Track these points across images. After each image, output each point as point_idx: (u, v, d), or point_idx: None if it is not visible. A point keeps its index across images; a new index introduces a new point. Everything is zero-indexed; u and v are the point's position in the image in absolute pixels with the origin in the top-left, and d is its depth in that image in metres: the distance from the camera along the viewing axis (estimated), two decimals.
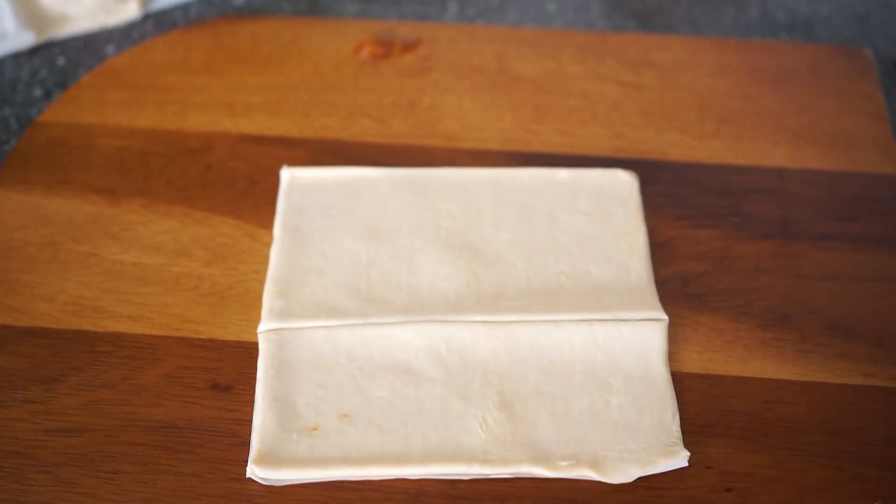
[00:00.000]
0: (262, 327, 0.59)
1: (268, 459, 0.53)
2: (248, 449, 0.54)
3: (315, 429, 0.54)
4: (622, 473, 0.53)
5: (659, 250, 0.63)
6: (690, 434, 0.55)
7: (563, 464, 0.53)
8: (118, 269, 0.62)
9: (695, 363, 0.58)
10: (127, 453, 0.54)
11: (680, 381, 0.57)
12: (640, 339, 0.58)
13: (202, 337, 0.59)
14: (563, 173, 0.67)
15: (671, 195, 0.67)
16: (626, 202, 0.65)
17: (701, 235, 0.65)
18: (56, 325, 0.60)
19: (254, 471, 0.53)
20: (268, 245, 0.64)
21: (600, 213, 0.65)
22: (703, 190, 0.68)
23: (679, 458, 0.53)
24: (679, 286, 0.62)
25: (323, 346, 0.57)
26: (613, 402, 0.55)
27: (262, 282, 0.62)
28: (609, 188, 0.66)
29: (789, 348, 0.59)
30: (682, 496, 0.53)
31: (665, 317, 0.59)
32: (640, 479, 0.53)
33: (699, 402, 0.56)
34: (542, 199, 0.66)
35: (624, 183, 0.66)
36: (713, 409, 0.56)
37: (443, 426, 0.54)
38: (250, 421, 0.55)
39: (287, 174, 0.67)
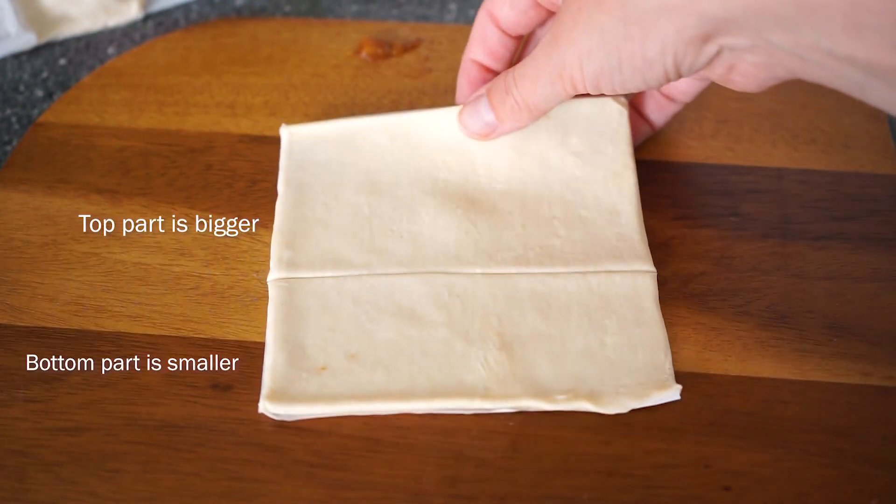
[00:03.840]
0: (271, 276, 0.61)
1: (279, 396, 0.55)
2: (250, 448, 0.54)
3: (324, 368, 0.56)
4: (617, 405, 0.55)
5: (658, 250, 0.64)
6: (689, 433, 0.55)
7: (560, 397, 0.55)
8: (119, 268, 0.63)
9: (693, 362, 0.58)
10: (128, 452, 0.54)
11: (679, 380, 0.57)
12: (632, 285, 0.60)
13: (203, 336, 0.59)
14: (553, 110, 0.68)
15: (670, 195, 0.67)
16: (615, 136, 0.66)
17: (699, 235, 0.65)
18: (57, 324, 0.60)
19: (266, 406, 0.55)
20: (268, 245, 0.64)
21: (590, 153, 0.66)
22: (702, 190, 0.68)
23: (672, 391, 0.55)
24: (678, 286, 0.62)
25: (330, 294, 0.60)
26: (608, 343, 0.58)
27: (262, 282, 0.62)
28: (599, 121, 0.67)
29: (788, 348, 0.59)
30: (681, 495, 0.53)
31: (653, 269, 0.61)
32: (637, 477, 0.53)
33: (698, 401, 0.57)
34: (533, 139, 0.67)
35: (614, 113, 0.67)
36: (712, 408, 0.56)
37: (446, 365, 0.57)
38: (251, 420, 0.55)
39: (286, 132, 0.68)
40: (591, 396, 0.55)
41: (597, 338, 0.58)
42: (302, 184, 0.66)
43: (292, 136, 0.68)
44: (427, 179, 0.66)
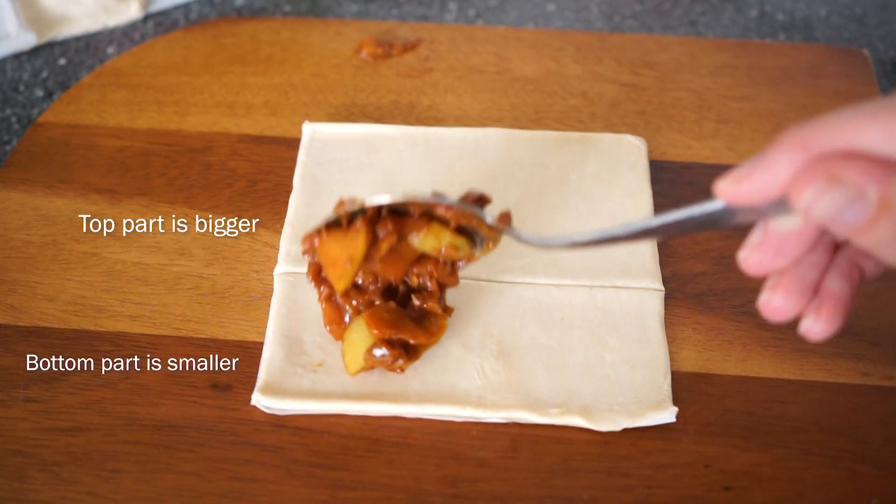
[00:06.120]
0: (278, 270, 0.61)
1: (272, 390, 0.55)
2: (250, 448, 0.54)
3: (320, 364, 0.57)
4: (610, 423, 0.55)
5: (658, 250, 0.63)
6: (689, 433, 0.55)
7: (553, 411, 0.55)
8: (119, 268, 0.63)
9: (694, 362, 0.58)
10: (127, 452, 0.54)
11: (679, 380, 0.57)
12: (638, 302, 0.60)
13: (202, 336, 0.59)
14: (573, 136, 0.69)
15: (670, 195, 0.67)
16: (633, 165, 0.67)
17: (700, 235, 0.65)
18: (57, 324, 0.60)
19: (258, 399, 0.55)
20: (268, 245, 0.64)
21: (608, 175, 0.67)
22: (702, 190, 0.67)
23: (667, 413, 0.55)
24: (678, 286, 0.62)
25: None
26: (608, 359, 0.57)
27: (262, 281, 0.62)
28: (618, 151, 0.68)
29: (788, 347, 0.59)
30: (682, 495, 0.53)
31: (662, 288, 0.61)
32: (638, 478, 0.53)
33: (698, 401, 0.57)
34: (553, 159, 0.67)
35: (633, 147, 0.68)
36: (712, 408, 0.56)
37: (441, 370, 0.57)
38: (251, 420, 0.55)
39: (308, 129, 0.69)
40: (585, 412, 0.55)
41: (596, 353, 0.58)
42: (318, 180, 0.66)
43: (314, 133, 0.69)
44: (443, 182, 0.65)
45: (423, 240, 0.54)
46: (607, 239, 0.47)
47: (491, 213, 0.53)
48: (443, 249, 0.54)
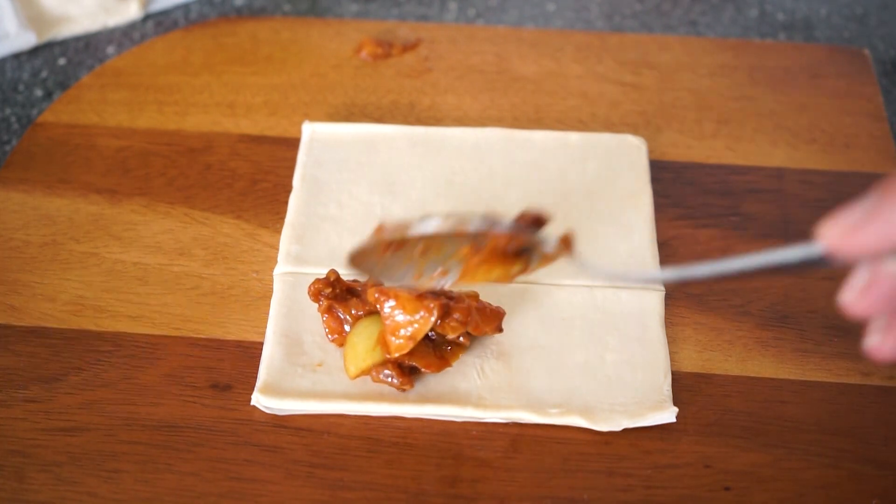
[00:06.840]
0: (277, 270, 0.61)
1: (272, 390, 0.55)
2: (250, 448, 0.54)
3: (320, 364, 0.57)
4: (611, 423, 0.55)
5: (659, 250, 0.63)
6: (689, 433, 0.55)
7: (553, 411, 0.55)
8: (119, 268, 0.63)
9: (694, 363, 0.58)
10: (127, 452, 0.54)
11: (679, 380, 0.57)
12: (638, 303, 0.60)
13: (202, 336, 0.59)
14: (573, 136, 0.69)
15: (670, 195, 0.67)
16: (633, 165, 0.67)
17: (700, 235, 0.65)
18: (57, 324, 0.60)
19: (258, 399, 0.55)
20: (268, 245, 0.64)
21: (608, 175, 0.66)
22: (703, 190, 0.68)
23: (667, 413, 0.55)
24: (679, 286, 0.62)
25: None
26: (608, 359, 0.57)
27: (262, 282, 0.62)
28: (618, 151, 0.68)
29: (788, 348, 0.59)
30: (682, 495, 0.53)
31: (662, 288, 0.61)
32: (638, 478, 0.53)
33: (698, 401, 0.57)
34: (552, 159, 0.67)
35: (633, 147, 0.68)
36: (712, 408, 0.56)
37: (441, 371, 0.56)
38: (250, 420, 0.55)
39: (308, 129, 0.69)
40: (585, 412, 0.55)
41: (597, 353, 0.58)
42: (318, 180, 0.66)
43: (314, 133, 0.69)
44: (442, 182, 0.66)
45: (472, 283, 0.53)
46: (683, 279, 0.44)
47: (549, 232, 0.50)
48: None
